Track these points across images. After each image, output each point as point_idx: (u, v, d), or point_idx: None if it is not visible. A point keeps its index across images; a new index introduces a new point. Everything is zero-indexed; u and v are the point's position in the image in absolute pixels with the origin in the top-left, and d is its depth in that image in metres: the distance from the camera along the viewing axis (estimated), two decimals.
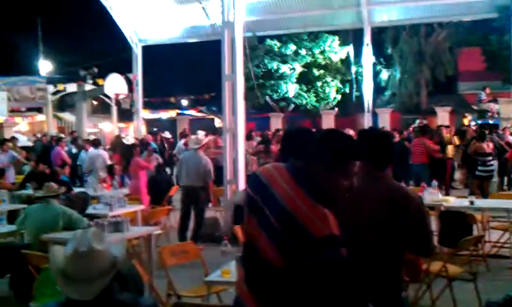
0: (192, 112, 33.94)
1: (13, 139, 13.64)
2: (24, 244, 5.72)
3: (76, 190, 9.49)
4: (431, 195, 7.96)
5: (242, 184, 8.90)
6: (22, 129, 28.00)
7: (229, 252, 4.69)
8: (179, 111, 33.44)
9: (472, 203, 7.71)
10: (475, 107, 21.67)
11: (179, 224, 9.01)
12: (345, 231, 2.23)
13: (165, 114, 33.13)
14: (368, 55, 18.86)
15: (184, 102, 36.05)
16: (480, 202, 8.10)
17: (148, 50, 20.25)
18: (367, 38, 18.64)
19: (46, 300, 2.88)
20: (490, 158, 12.08)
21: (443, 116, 21.88)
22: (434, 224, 7.20)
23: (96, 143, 13.38)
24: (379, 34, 25.61)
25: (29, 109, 29.33)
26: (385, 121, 21.58)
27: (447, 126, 16.29)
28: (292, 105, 27.83)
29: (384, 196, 2.77)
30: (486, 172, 11.95)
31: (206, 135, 12.38)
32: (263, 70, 26.26)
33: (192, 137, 10.21)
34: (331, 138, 2.35)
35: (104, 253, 2.25)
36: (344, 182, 2.28)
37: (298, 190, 2.24)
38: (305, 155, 2.34)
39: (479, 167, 11.89)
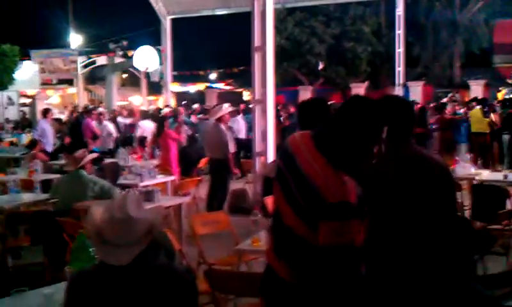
0: (221, 85, 33.93)
1: (49, 110, 13.95)
2: (58, 212, 5.82)
3: (107, 160, 9.65)
4: (464, 168, 7.83)
5: (271, 156, 8.88)
6: (53, 102, 28.44)
7: (260, 222, 4.70)
8: (208, 84, 33.47)
9: (505, 176, 7.55)
10: (509, 81, 21.11)
11: (207, 195, 9.07)
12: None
13: (194, 87, 33.21)
14: (400, 27, 18.49)
15: (213, 75, 36.05)
16: None
17: (177, 22, 20.23)
18: (400, 9, 18.25)
19: (81, 265, 2.92)
20: None
21: (476, 90, 21.39)
22: (466, 198, 7.12)
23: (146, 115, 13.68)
24: (412, 4, 25.01)
25: (61, 82, 29.75)
26: (417, 94, 21.18)
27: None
28: (321, 78, 27.57)
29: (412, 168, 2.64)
30: None
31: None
32: (292, 42, 26.00)
33: (216, 108, 10.18)
34: (359, 105, 2.28)
35: (141, 219, 2.27)
36: (373, 149, 2.26)
37: (318, 156, 2.23)
38: (329, 123, 2.30)
39: None
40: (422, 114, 13.02)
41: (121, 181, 7.74)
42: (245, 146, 13.52)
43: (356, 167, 2.24)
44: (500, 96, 21.81)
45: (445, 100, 16.91)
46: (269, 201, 5.15)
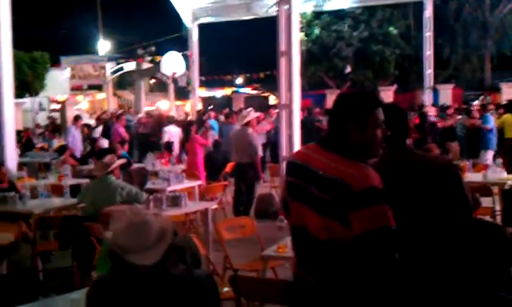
0: (248, 89, 33.99)
1: (79, 118, 14.31)
2: (87, 216, 5.89)
3: (135, 165, 9.75)
4: (495, 173, 7.66)
5: None
6: (82, 107, 28.85)
7: (285, 227, 4.67)
8: (234, 89, 33.56)
9: None
10: None
11: (233, 200, 9.06)
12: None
13: (221, 92, 33.34)
14: (429, 29, 18.23)
15: (239, 80, 36.14)
16: None
17: (204, 28, 20.35)
18: (428, 10, 18.02)
19: (106, 270, 2.94)
20: None
21: (508, 92, 20.94)
22: (497, 204, 6.95)
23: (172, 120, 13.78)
24: (442, 6, 24.61)
25: (90, 87, 30.18)
26: (447, 97, 20.87)
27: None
28: (349, 82, 27.35)
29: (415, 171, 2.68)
30: None
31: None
32: (319, 46, 25.88)
33: (244, 113, 10.16)
34: (347, 98, 2.37)
35: (155, 222, 2.31)
36: (378, 133, 2.29)
37: (330, 154, 2.26)
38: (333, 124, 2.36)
39: None
40: (422, 120, 13.01)
41: (148, 186, 7.80)
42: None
43: (369, 154, 2.30)
44: None
45: (476, 102, 16.60)
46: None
